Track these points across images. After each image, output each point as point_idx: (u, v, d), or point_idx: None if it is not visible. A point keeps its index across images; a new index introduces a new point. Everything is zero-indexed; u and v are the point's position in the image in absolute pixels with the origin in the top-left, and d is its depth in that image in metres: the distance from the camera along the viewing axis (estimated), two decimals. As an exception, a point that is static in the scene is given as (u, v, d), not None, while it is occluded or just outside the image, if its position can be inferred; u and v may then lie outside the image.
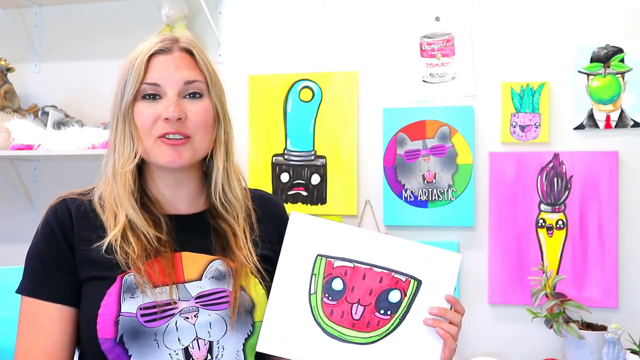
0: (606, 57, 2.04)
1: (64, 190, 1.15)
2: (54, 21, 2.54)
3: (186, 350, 1.04)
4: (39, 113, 2.40)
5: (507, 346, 2.10)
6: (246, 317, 1.09)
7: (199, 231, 1.14)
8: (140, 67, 1.08)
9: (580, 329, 1.90)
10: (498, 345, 2.11)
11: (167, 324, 1.03)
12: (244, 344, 1.09)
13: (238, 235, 1.14)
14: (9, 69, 2.40)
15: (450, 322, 1.09)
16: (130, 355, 1.02)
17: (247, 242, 1.15)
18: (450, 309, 1.11)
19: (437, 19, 2.18)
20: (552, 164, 2.07)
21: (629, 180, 2.03)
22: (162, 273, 1.06)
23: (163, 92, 1.08)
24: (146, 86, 1.08)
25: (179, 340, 1.04)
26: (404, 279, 1.07)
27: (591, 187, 2.04)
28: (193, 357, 1.04)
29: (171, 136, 1.08)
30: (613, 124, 2.04)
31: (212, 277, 1.10)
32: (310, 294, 1.06)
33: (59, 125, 2.29)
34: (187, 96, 1.10)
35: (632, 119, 2.03)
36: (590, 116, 2.05)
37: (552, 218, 2.07)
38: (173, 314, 1.04)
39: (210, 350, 1.05)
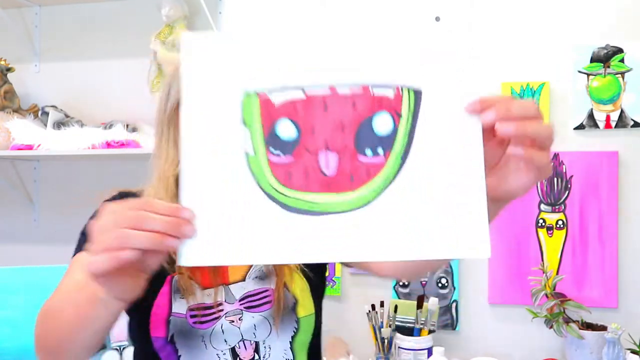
0: (606, 57, 2.04)
1: (63, 191, 1.15)
2: (54, 21, 2.54)
3: (233, 350, 1.06)
4: (39, 113, 2.40)
5: (507, 346, 2.10)
6: (290, 314, 1.10)
7: None
8: None
9: (580, 329, 1.90)
10: (498, 345, 2.11)
11: (213, 327, 1.05)
12: (290, 342, 1.11)
13: None
14: (9, 69, 2.40)
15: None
16: (180, 355, 1.03)
17: None
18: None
19: (437, 19, 2.18)
20: (552, 163, 2.07)
21: (629, 180, 2.03)
22: (208, 275, 1.07)
23: None
24: None
25: (225, 341, 1.05)
26: (391, 93, 0.67)
27: (591, 187, 2.04)
28: (240, 356, 1.06)
29: None
30: (613, 124, 2.04)
31: (256, 277, 1.11)
32: (248, 158, 0.66)
33: (59, 125, 2.29)
34: None
35: (632, 119, 2.03)
36: (590, 116, 2.05)
37: (552, 218, 2.07)
38: (219, 317, 1.05)
39: (257, 350, 1.07)
